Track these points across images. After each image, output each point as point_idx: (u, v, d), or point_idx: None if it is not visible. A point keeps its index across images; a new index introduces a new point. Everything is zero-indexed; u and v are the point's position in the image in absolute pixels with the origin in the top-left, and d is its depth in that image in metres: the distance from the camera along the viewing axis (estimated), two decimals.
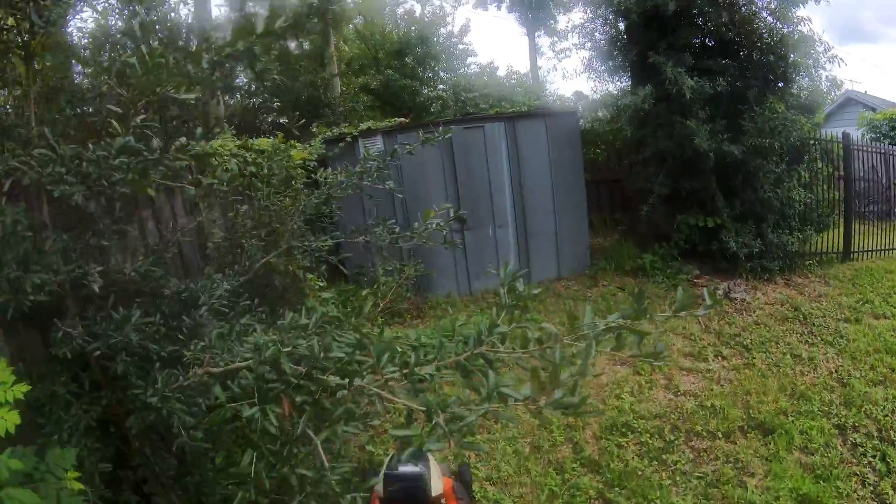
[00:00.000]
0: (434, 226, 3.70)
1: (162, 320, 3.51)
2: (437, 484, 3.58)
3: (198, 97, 3.23)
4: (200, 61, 2.43)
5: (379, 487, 3.47)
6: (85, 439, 3.50)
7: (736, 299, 8.52)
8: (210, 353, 2.70)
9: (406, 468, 3.42)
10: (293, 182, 4.21)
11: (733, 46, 9.64)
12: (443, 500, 3.72)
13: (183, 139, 2.32)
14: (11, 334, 3.76)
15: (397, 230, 4.32)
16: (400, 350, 2.34)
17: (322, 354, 2.18)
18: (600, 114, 12.50)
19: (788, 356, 7.15)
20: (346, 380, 2.19)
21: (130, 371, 3.29)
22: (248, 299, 3.84)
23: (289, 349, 2.39)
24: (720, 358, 7.19)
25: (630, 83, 10.54)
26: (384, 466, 3.61)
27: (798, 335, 7.66)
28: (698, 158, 8.93)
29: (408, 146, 4.16)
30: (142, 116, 2.96)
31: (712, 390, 6.51)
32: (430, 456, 3.67)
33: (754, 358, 7.11)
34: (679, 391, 6.52)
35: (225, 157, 6.64)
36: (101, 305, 3.48)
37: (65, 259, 3.28)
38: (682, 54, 9.22)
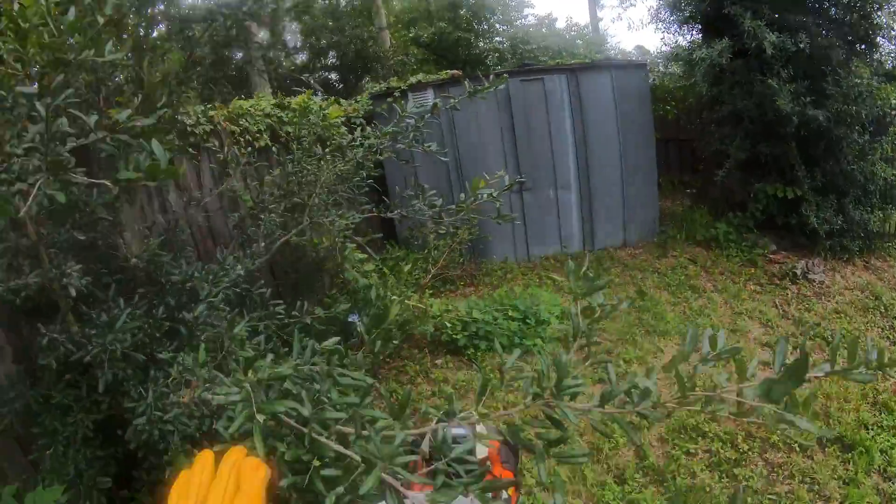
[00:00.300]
0: (485, 196, 2.99)
1: (165, 314, 2.98)
2: (483, 447, 3.04)
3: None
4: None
5: (425, 448, 3.15)
6: (84, 449, 3.11)
7: (814, 281, 7.70)
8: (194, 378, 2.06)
9: (453, 429, 3.13)
10: (328, 144, 3.53)
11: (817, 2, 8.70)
12: (488, 463, 3.10)
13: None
14: (14, 333, 3.43)
15: (438, 202, 3.39)
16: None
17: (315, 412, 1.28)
18: (670, 68, 11.55)
19: None
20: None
21: (125, 377, 2.78)
22: (266, 286, 3.24)
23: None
24: (799, 350, 6.33)
25: (701, 36, 9.56)
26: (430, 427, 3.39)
27: (880, 329, 6.84)
28: (779, 121, 8.07)
29: (452, 99, 3.32)
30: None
31: None
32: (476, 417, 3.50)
33: (836, 355, 6.26)
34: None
35: (257, 118, 6.07)
36: (103, 299, 2.99)
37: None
38: (758, 5, 8.28)
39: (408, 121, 3.24)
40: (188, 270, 3.01)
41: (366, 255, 5.71)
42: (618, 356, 6.28)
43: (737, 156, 8.56)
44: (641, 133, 9.13)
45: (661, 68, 12.10)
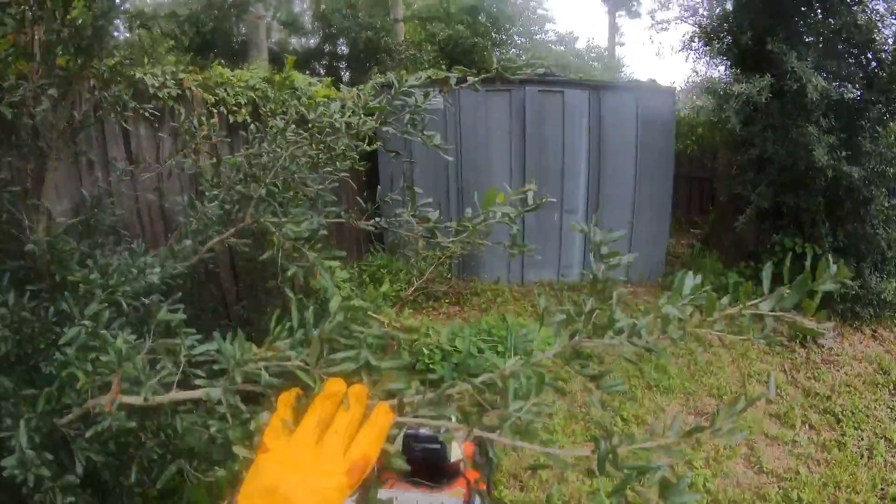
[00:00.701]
0: (499, 215, 2.06)
1: (57, 318, 2.20)
2: (458, 448, 3.25)
3: None
4: None
5: (397, 445, 2.93)
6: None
7: (824, 346, 7.08)
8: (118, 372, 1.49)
9: (426, 431, 3.07)
10: (310, 127, 2.73)
11: (858, 52, 7.97)
12: (462, 466, 3.40)
13: None
14: None
15: (433, 216, 2.40)
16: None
17: None
18: (698, 101, 10.83)
19: (882, 440, 5.70)
20: None
21: None
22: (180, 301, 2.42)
23: None
24: (808, 427, 5.80)
25: (737, 70, 8.78)
26: (404, 427, 3.11)
27: (888, 409, 6.19)
28: (809, 173, 7.42)
29: (443, 91, 2.44)
30: None
31: (798, 474, 5.11)
32: (453, 416, 3.13)
33: (845, 435, 5.70)
34: (762, 467, 5.15)
35: (238, 89, 5.30)
36: None
37: None
38: (804, 47, 7.62)
39: (405, 99, 2.36)
40: (94, 267, 2.23)
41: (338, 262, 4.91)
42: (616, 414, 5.56)
43: (758, 203, 7.82)
44: (661, 164, 8.41)
45: (687, 100, 11.41)
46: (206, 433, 1.31)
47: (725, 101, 7.84)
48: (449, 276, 8.13)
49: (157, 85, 4.49)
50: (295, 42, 18.82)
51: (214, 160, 3.16)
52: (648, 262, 8.58)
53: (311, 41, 18.63)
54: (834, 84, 7.29)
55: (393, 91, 2.30)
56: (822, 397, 6.13)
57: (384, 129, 2.46)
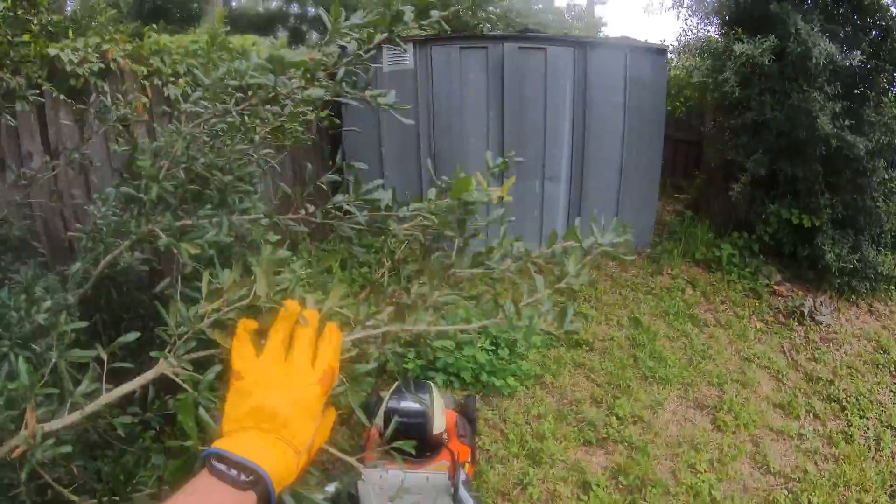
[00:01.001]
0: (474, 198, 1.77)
1: None
2: (440, 420, 3.71)
3: None
4: None
5: (379, 422, 3.60)
6: None
7: (821, 323, 6.65)
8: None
9: (408, 403, 3.57)
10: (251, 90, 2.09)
11: (864, 17, 7.35)
12: (445, 437, 3.85)
13: None
14: None
15: (385, 198, 1.93)
16: None
17: None
18: (690, 60, 10.15)
19: (888, 430, 5.30)
20: None
21: None
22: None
23: None
24: (812, 416, 5.36)
25: (725, 30, 8.05)
26: (385, 401, 3.66)
27: (891, 393, 5.79)
28: (808, 141, 6.86)
29: (394, 31, 1.79)
30: None
31: (806, 473, 4.65)
32: (434, 389, 3.82)
33: (851, 426, 5.28)
34: (769, 467, 4.67)
35: (175, 58, 4.58)
36: None
37: None
38: (810, 10, 7.03)
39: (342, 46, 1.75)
40: None
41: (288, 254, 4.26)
42: (610, 411, 5.01)
43: (754, 170, 7.24)
44: (650, 128, 7.75)
45: (675, 59, 10.76)
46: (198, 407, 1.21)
47: (724, 62, 7.24)
48: (423, 254, 7.52)
49: (75, 61, 3.81)
50: (261, 5, 17.92)
51: (130, 148, 2.49)
52: (636, 230, 7.79)
53: (274, 2, 17.74)
54: (851, 53, 6.71)
55: (327, 36, 1.69)
56: (825, 382, 5.71)
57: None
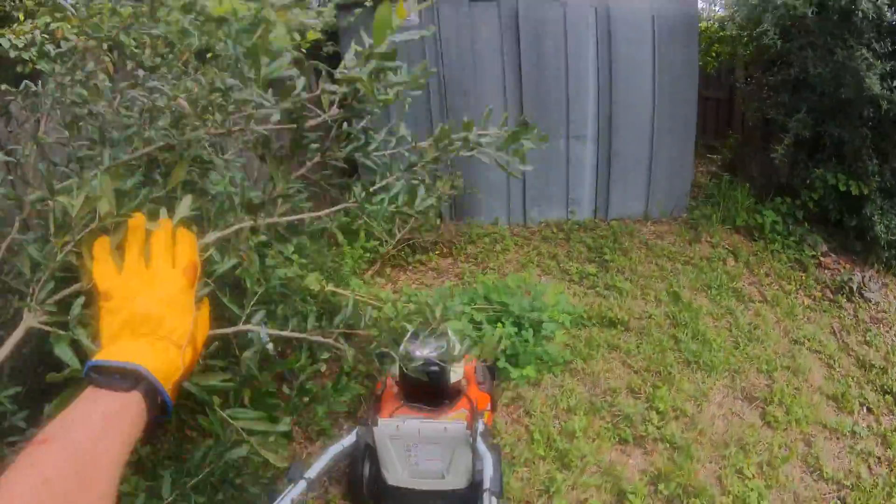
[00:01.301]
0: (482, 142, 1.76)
1: None
2: (458, 368, 3.77)
3: None
4: None
5: (395, 370, 3.46)
6: None
7: (871, 301, 6.19)
8: None
9: (425, 351, 3.33)
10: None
11: None
12: (463, 384, 3.90)
13: None
14: None
15: (396, 139, 1.97)
16: None
17: None
18: (724, 10, 9.59)
19: None
20: None
21: None
22: None
23: None
24: (866, 410, 4.91)
25: None
26: (401, 347, 3.18)
27: None
28: (855, 102, 6.33)
29: None
30: None
31: (860, 479, 4.23)
32: (451, 335, 3.49)
33: None
34: (822, 472, 4.24)
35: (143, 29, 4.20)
36: None
37: None
38: None
39: None
40: None
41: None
42: (649, 404, 4.59)
43: (798, 131, 6.72)
44: (682, 81, 7.22)
45: (705, 10, 10.23)
46: None
47: (760, 13, 6.74)
48: (438, 222, 7.17)
49: (20, 46, 3.49)
50: None
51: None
52: (671, 195, 7.54)
53: None
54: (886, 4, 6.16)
55: None
56: (878, 370, 5.24)
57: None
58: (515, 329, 5.04)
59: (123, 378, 0.93)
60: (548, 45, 6.99)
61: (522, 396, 4.66)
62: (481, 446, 3.33)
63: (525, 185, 7.47)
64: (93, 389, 0.92)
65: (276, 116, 1.56)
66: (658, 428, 4.33)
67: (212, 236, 1.41)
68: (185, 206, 1.25)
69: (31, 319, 1.26)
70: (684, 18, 7.08)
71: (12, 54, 3.53)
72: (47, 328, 1.24)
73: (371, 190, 1.87)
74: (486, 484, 2.91)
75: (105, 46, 4.01)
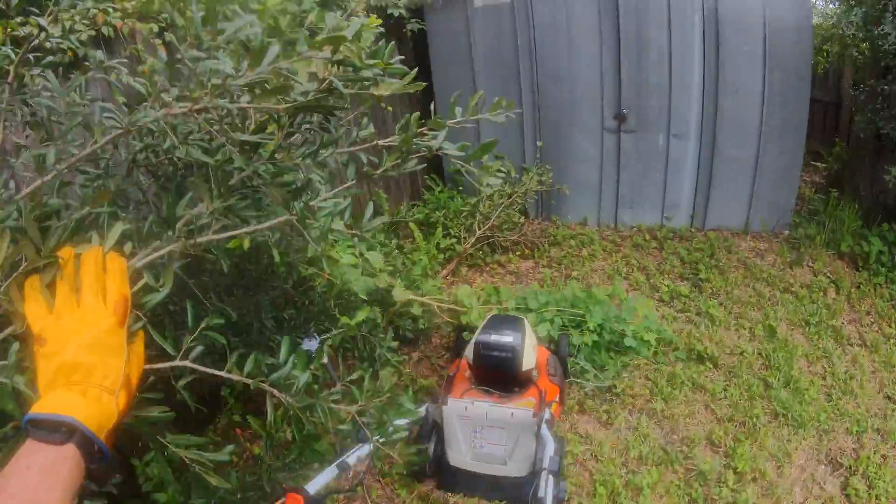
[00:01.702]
0: None
1: None
2: (531, 357, 3.97)
3: None
4: None
5: (469, 353, 3.98)
6: None
7: None
8: None
9: (500, 337, 3.89)
10: None
11: None
12: (534, 373, 4.10)
13: None
14: None
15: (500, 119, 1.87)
16: None
17: None
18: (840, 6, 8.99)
19: None
20: None
21: None
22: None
23: None
24: None
25: None
26: (477, 332, 4.04)
27: None
28: None
29: None
30: None
31: None
32: (528, 326, 4.05)
33: None
34: None
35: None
36: None
37: None
38: None
39: None
40: None
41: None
42: (728, 461, 4.41)
43: None
44: (794, 80, 6.77)
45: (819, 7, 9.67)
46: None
47: (881, 12, 6.28)
48: (520, 219, 7.08)
49: (57, 35, 3.50)
50: None
51: None
52: (774, 206, 7.18)
53: None
54: None
55: None
56: None
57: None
58: (596, 336, 5.14)
59: (57, 431, 0.97)
60: (650, 29, 6.74)
61: (591, 437, 4.58)
62: (546, 433, 3.43)
63: (618, 185, 7.28)
64: (31, 442, 0.97)
65: (245, 97, 1.50)
66: (733, 491, 4.15)
67: (139, 260, 1.39)
68: (116, 232, 1.26)
69: None
70: (798, 11, 6.68)
71: (47, 44, 3.51)
72: None
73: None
74: (545, 464, 3.00)
75: (156, 29, 4.03)
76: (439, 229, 6.53)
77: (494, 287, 5.92)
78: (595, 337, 5.15)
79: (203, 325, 1.48)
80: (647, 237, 7.25)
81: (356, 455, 2.79)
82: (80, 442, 0.99)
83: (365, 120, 1.93)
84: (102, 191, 1.52)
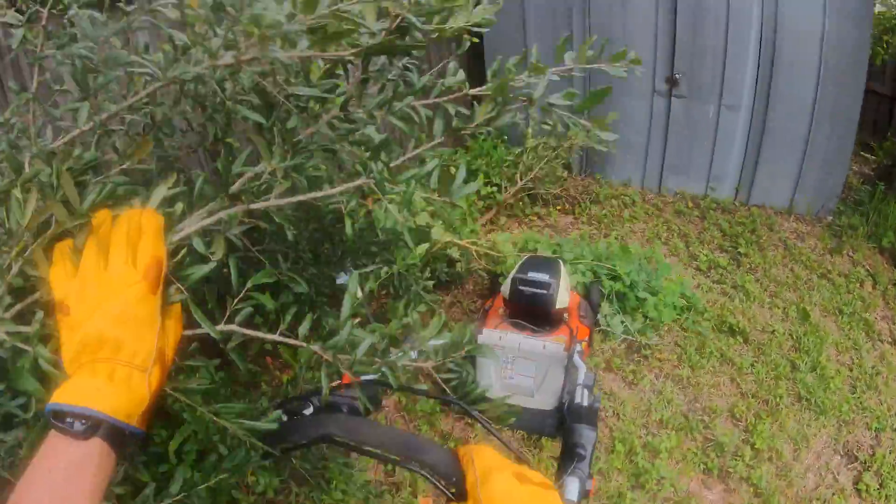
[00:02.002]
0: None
1: None
2: (564, 297, 4.13)
3: None
4: None
5: (505, 289, 4.12)
6: None
7: None
8: None
9: (536, 274, 4.08)
10: None
11: None
12: (566, 315, 4.28)
13: None
14: None
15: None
16: None
17: None
18: None
19: None
20: None
21: None
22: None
23: None
24: None
25: None
26: (514, 269, 4.26)
27: None
28: None
29: None
30: None
31: None
32: (563, 268, 4.24)
33: None
34: None
35: None
36: None
37: None
38: None
39: None
40: None
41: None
42: (747, 436, 4.60)
43: None
44: (851, 66, 6.70)
45: None
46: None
47: None
48: (563, 174, 7.19)
49: None
50: None
51: None
52: (821, 190, 7.20)
53: None
54: None
55: None
56: None
57: None
58: (626, 288, 5.35)
59: (82, 424, 0.92)
60: None
61: (616, 395, 4.78)
62: (578, 360, 3.32)
63: (665, 149, 7.34)
64: (54, 437, 0.92)
65: (304, 42, 1.28)
66: (748, 466, 4.33)
67: (190, 225, 1.23)
68: (161, 193, 1.17)
69: None
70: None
71: None
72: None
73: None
74: (580, 380, 2.92)
75: None
76: (481, 177, 6.65)
77: (532, 236, 6.06)
78: (625, 289, 5.36)
79: (249, 285, 1.34)
80: (690, 205, 7.34)
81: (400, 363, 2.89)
82: (107, 434, 0.93)
83: (453, 65, 1.68)
84: (143, 142, 1.35)
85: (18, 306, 1.14)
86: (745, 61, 6.86)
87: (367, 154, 1.42)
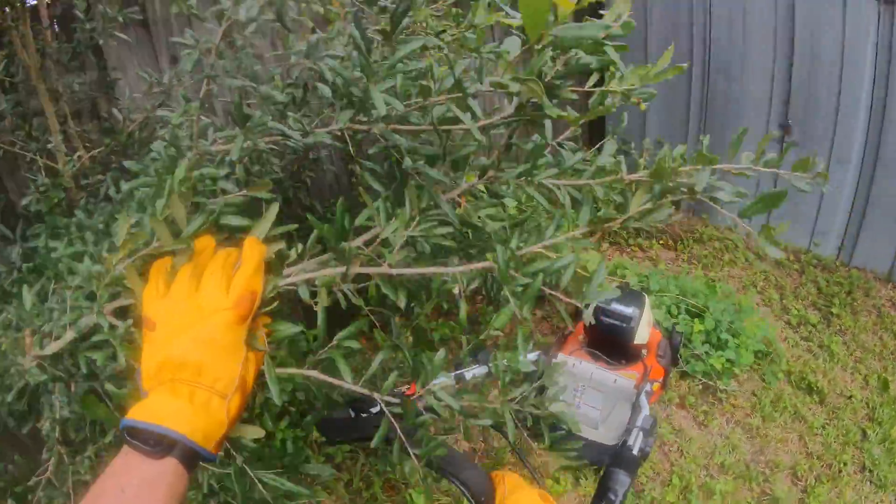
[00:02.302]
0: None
1: None
2: (644, 332, 4.03)
3: None
4: None
5: (587, 315, 3.39)
6: None
7: None
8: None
9: (619, 306, 3.94)
10: None
11: None
12: (644, 351, 4.20)
13: None
14: None
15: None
16: None
17: None
18: None
19: None
20: None
21: None
22: None
23: None
24: None
25: None
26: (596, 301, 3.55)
27: None
28: None
29: None
30: None
31: None
32: (647, 302, 4.10)
33: None
34: None
35: None
36: None
37: None
38: None
39: None
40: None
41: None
42: (803, 497, 4.72)
43: None
44: None
45: None
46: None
47: None
48: (673, 210, 7.31)
49: None
50: None
51: None
52: None
53: None
54: None
55: None
56: None
57: None
58: (709, 330, 5.49)
59: (157, 443, 0.94)
60: (822, 43, 6.66)
61: (684, 432, 4.98)
62: (644, 401, 3.49)
63: None
64: (127, 454, 0.94)
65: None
66: None
67: (299, 274, 1.23)
68: (271, 215, 1.17)
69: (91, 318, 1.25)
70: None
71: None
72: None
73: None
74: (638, 423, 3.03)
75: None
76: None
77: (622, 262, 6.34)
78: (708, 329, 5.51)
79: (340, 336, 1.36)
80: (791, 258, 7.37)
81: (472, 373, 2.80)
82: (182, 454, 0.95)
83: (609, 144, 1.57)
84: (262, 184, 1.36)
85: (114, 304, 1.27)
86: (856, 116, 6.81)
87: (501, 230, 1.40)
